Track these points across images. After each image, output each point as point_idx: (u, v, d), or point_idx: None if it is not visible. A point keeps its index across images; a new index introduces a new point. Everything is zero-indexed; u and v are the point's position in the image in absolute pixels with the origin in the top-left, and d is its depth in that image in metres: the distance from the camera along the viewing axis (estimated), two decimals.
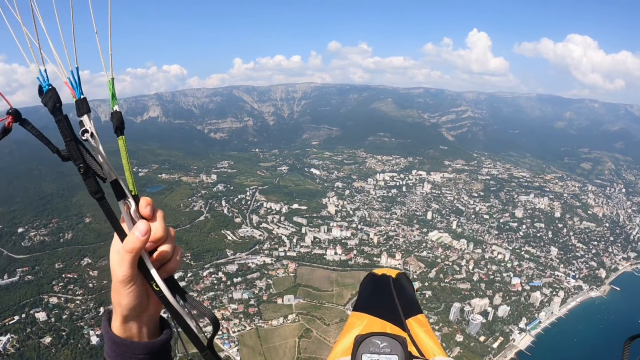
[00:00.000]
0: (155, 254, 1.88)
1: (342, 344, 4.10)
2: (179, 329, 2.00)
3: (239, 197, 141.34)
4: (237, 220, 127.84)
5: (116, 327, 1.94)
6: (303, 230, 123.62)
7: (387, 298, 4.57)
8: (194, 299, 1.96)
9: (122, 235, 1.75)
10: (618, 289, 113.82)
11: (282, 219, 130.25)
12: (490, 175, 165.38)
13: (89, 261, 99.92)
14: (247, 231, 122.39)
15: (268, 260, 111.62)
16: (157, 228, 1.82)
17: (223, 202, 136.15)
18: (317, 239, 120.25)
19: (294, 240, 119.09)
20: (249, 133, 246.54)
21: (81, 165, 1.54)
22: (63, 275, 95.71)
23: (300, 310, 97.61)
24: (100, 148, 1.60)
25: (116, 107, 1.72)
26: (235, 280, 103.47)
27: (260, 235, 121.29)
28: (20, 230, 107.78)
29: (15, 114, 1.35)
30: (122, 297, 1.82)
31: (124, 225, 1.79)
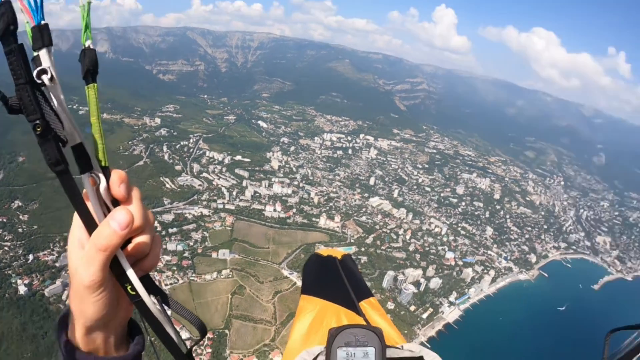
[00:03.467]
0: (130, 247, 1.37)
1: (299, 330, 3.96)
2: (152, 338, 1.65)
3: (182, 143, 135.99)
4: (178, 167, 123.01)
5: (77, 338, 1.46)
6: (244, 184, 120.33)
7: (337, 280, 4.41)
8: (176, 302, 1.64)
9: (92, 226, 1.22)
10: (546, 275, 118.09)
11: (224, 170, 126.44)
12: (437, 149, 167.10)
13: (20, 204, 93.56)
14: (186, 180, 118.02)
15: (205, 211, 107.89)
16: (135, 214, 1.30)
17: (164, 148, 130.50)
18: (257, 194, 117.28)
19: (234, 193, 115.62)
20: (199, 78, 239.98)
21: (38, 121, 1.02)
22: None
23: (234, 266, 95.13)
24: (62, 97, 1.16)
25: (89, 43, 1.23)
26: (170, 230, 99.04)
27: (199, 185, 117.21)
28: None
29: None
30: (86, 305, 1.35)
31: (89, 206, 1.22)
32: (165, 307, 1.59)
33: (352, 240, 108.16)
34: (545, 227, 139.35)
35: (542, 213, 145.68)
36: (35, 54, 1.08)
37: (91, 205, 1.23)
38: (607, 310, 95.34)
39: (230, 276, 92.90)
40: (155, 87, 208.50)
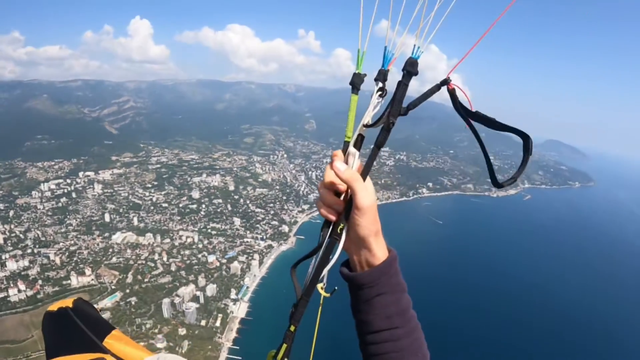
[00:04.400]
0: None
1: None
2: None
3: None
4: None
5: None
6: None
7: (75, 330, 3.96)
8: None
9: None
10: (303, 237, 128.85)
11: None
12: (161, 163, 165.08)
13: None
14: None
15: None
16: None
17: None
18: None
19: None
20: None
21: None
22: None
23: None
24: None
25: None
26: None
27: None
28: None
29: None
30: None
31: None
32: None
33: (112, 287, 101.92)
34: (284, 198, 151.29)
35: (277, 187, 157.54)
36: None
37: None
38: None
39: None
40: None
